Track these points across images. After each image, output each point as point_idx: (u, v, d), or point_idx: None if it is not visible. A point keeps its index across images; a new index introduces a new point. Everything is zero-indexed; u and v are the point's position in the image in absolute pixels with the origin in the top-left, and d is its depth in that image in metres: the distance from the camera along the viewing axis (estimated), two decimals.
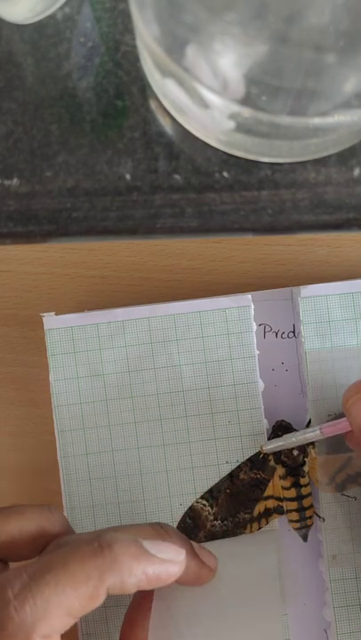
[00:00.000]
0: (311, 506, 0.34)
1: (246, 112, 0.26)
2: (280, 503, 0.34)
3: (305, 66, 0.25)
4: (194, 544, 0.30)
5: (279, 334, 0.36)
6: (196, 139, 0.32)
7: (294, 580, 0.35)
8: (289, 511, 0.34)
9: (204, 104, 0.27)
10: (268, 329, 0.36)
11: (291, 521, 0.34)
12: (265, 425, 0.35)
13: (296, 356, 0.36)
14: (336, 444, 0.33)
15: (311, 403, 0.34)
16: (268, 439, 0.35)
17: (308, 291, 0.34)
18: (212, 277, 0.38)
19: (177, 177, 0.32)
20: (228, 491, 0.35)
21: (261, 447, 0.34)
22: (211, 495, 0.35)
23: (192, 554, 0.29)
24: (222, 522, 0.34)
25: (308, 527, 0.34)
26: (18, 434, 0.38)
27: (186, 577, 0.28)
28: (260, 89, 0.26)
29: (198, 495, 0.35)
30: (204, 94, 0.27)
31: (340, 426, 0.31)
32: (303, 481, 0.34)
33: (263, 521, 0.34)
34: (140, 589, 0.25)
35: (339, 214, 0.32)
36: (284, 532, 0.35)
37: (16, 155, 0.32)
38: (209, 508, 0.34)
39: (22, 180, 0.32)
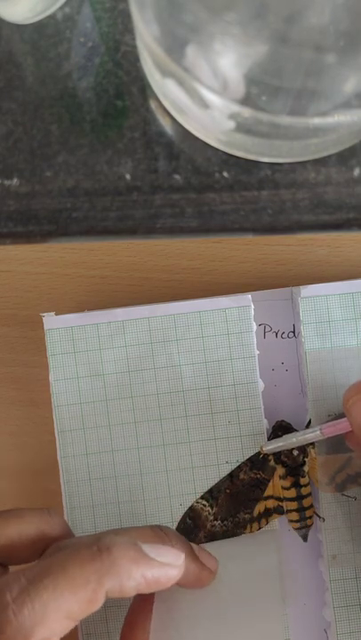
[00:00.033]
0: (311, 506, 0.34)
1: (246, 112, 0.26)
2: (280, 503, 0.34)
3: (305, 66, 0.25)
4: (194, 546, 0.30)
5: (279, 334, 0.36)
6: (196, 139, 0.32)
7: (294, 580, 0.35)
8: (289, 511, 0.34)
9: (204, 104, 0.27)
10: (268, 329, 0.36)
11: (291, 521, 0.34)
12: (265, 425, 0.35)
13: (296, 356, 0.36)
14: (336, 444, 0.32)
15: (311, 403, 0.34)
16: (268, 439, 0.35)
17: (308, 291, 0.34)
18: (212, 277, 0.38)
19: (177, 177, 0.32)
20: (228, 491, 0.35)
21: (261, 448, 0.34)
22: (211, 495, 0.35)
23: (192, 556, 0.29)
24: (222, 522, 0.34)
25: (308, 527, 0.34)
26: (18, 434, 0.38)
27: (186, 579, 0.28)
28: (260, 89, 0.26)
29: (198, 495, 0.35)
30: (204, 94, 0.27)
31: (341, 426, 0.31)
32: (303, 481, 0.34)
33: (263, 521, 0.34)
34: (139, 593, 0.25)
35: (339, 214, 0.32)
36: (284, 532, 0.35)
37: (16, 155, 0.32)
38: (209, 509, 0.34)
39: (22, 180, 0.32)
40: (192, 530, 0.34)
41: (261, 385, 0.35)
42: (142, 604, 0.29)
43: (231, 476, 0.35)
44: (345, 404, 0.30)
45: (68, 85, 0.32)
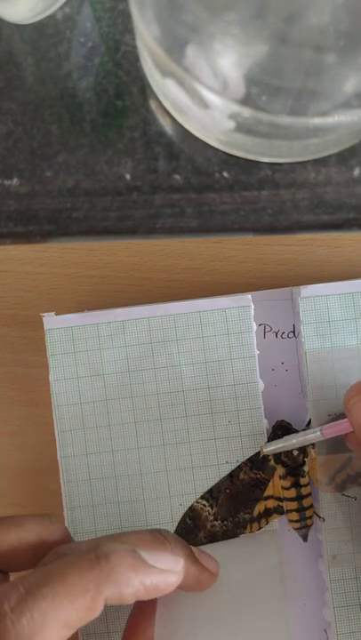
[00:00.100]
0: (311, 506, 0.34)
1: (246, 112, 0.26)
2: (280, 503, 0.34)
3: (305, 66, 0.25)
4: (194, 549, 0.30)
5: (279, 334, 0.36)
6: (196, 139, 0.32)
7: (294, 580, 0.35)
8: (289, 511, 0.34)
9: (204, 104, 0.27)
10: (268, 329, 0.36)
11: (291, 521, 0.34)
12: (265, 425, 0.35)
13: (296, 356, 0.36)
14: (336, 445, 0.32)
15: (311, 403, 0.34)
16: (268, 439, 0.35)
17: (308, 291, 0.34)
18: (212, 277, 0.38)
19: (177, 177, 0.32)
20: (228, 491, 0.35)
21: (261, 448, 0.34)
22: (211, 495, 0.35)
23: (192, 559, 0.29)
24: (222, 522, 0.34)
25: (308, 527, 0.34)
26: (18, 434, 0.38)
27: (186, 583, 0.28)
28: (260, 89, 0.26)
29: (198, 495, 0.35)
30: (204, 94, 0.27)
31: (341, 427, 0.31)
32: (303, 481, 0.34)
33: (263, 521, 0.34)
34: (138, 599, 0.25)
35: (339, 214, 0.32)
36: (284, 532, 0.35)
37: (16, 155, 0.32)
38: (209, 509, 0.34)
39: (22, 180, 0.32)
40: (192, 530, 0.34)
41: (261, 385, 0.35)
42: (144, 607, 0.29)
43: (231, 475, 0.35)
44: (346, 404, 0.30)
45: (68, 85, 0.32)
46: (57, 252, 0.38)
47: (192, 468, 0.35)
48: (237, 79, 0.26)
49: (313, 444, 0.34)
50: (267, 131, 0.28)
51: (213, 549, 0.32)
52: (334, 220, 0.32)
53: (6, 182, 0.32)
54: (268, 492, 0.34)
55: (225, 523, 0.34)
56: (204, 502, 0.34)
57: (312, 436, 0.32)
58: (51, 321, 0.35)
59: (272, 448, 0.33)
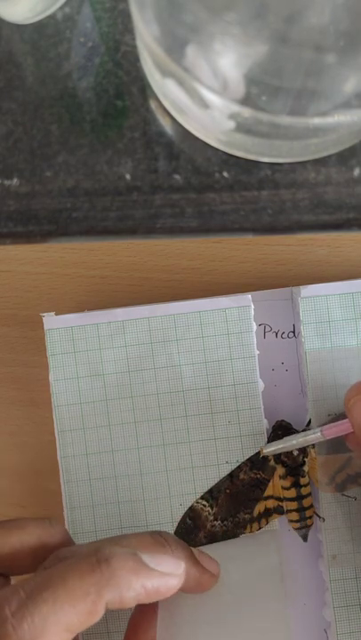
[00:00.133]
0: (311, 506, 0.34)
1: (246, 112, 0.26)
2: (280, 503, 0.34)
3: (305, 66, 0.25)
4: (194, 550, 0.29)
5: (279, 334, 0.36)
6: (196, 139, 0.32)
7: (294, 580, 0.35)
8: (289, 511, 0.34)
9: (204, 104, 0.27)
10: (268, 329, 0.36)
11: (291, 521, 0.34)
12: (265, 425, 0.35)
13: (296, 356, 0.36)
14: (336, 445, 0.32)
15: (311, 403, 0.34)
16: (268, 439, 0.35)
17: (308, 291, 0.34)
18: (212, 277, 0.38)
19: (177, 177, 0.32)
20: (228, 491, 0.35)
21: (261, 449, 0.34)
22: (211, 495, 0.35)
23: (192, 560, 0.29)
24: (222, 522, 0.34)
25: (308, 527, 0.34)
26: (18, 434, 0.38)
27: (187, 584, 0.28)
28: (260, 89, 0.26)
29: (198, 495, 0.35)
30: (204, 94, 0.27)
31: (342, 427, 0.31)
32: (303, 481, 0.34)
33: (263, 521, 0.34)
34: (139, 603, 0.25)
35: (339, 214, 0.32)
36: (284, 532, 0.35)
37: (16, 155, 0.32)
38: (209, 509, 0.34)
39: (22, 180, 0.32)
40: (192, 530, 0.34)
41: (261, 385, 0.35)
42: (145, 609, 0.29)
43: (231, 476, 0.35)
44: (346, 404, 0.30)
45: (68, 85, 0.32)
46: (57, 252, 0.38)
47: (192, 468, 0.35)
48: (237, 79, 0.26)
49: (313, 444, 0.34)
50: (267, 131, 0.28)
51: (213, 550, 0.32)
52: (334, 220, 0.32)
53: (6, 182, 0.32)
54: (268, 492, 0.34)
55: (225, 523, 0.34)
56: (204, 502, 0.34)
57: (312, 436, 0.32)
58: (51, 321, 0.35)
59: (272, 449, 0.33)
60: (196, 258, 0.38)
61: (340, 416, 0.32)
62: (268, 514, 0.34)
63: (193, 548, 0.30)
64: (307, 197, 0.32)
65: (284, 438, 0.33)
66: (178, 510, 0.35)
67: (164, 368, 0.35)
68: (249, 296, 0.35)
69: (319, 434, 0.31)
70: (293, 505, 0.34)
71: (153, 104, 0.32)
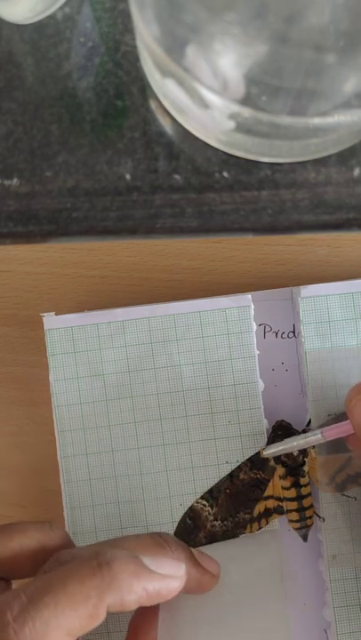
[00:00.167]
0: (311, 506, 0.34)
1: (246, 112, 0.26)
2: (280, 503, 0.34)
3: (305, 66, 0.25)
4: (195, 551, 0.29)
5: (279, 334, 0.36)
6: (196, 139, 0.32)
7: (294, 580, 0.35)
8: (289, 511, 0.34)
9: (204, 104, 0.27)
10: (268, 329, 0.36)
11: (291, 521, 0.34)
12: (265, 425, 0.35)
13: (296, 356, 0.36)
14: (336, 445, 0.32)
15: (311, 403, 0.34)
16: (268, 439, 0.35)
17: (308, 291, 0.34)
18: (212, 277, 0.38)
19: (177, 177, 0.32)
20: (228, 491, 0.35)
21: (262, 452, 0.34)
22: (211, 495, 0.35)
23: (193, 561, 0.29)
24: (222, 522, 0.34)
25: (308, 527, 0.34)
26: (18, 434, 0.38)
27: (188, 586, 0.28)
28: (260, 89, 0.26)
29: (198, 495, 0.35)
30: (204, 94, 0.27)
31: (343, 429, 0.30)
32: (303, 481, 0.34)
33: (263, 521, 0.34)
34: (140, 606, 0.25)
35: (339, 214, 0.32)
36: (284, 532, 0.35)
37: (16, 155, 0.32)
38: (209, 509, 0.34)
39: (22, 180, 0.32)
40: (192, 530, 0.34)
41: (261, 385, 0.35)
42: (146, 611, 0.29)
43: (231, 476, 0.35)
44: (347, 404, 0.30)
45: (68, 85, 0.32)
46: (57, 252, 0.38)
47: (192, 468, 0.35)
48: (237, 79, 0.26)
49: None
50: (267, 131, 0.28)
51: (213, 550, 0.32)
52: (334, 220, 0.32)
53: (6, 182, 0.32)
54: (268, 492, 0.34)
55: (225, 523, 0.34)
56: (204, 502, 0.34)
57: (313, 438, 0.31)
58: (51, 321, 0.35)
59: (272, 451, 0.33)
60: (196, 258, 0.38)
61: (341, 416, 0.32)
62: (268, 514, 0.34)
63: (193, 549, 0.30)
64: (307, 197, 0.32)
65: (285, 440, 0.33)
66: (178, 510, 0.35)
67: (164, 368, 0.35)
68: (249, 296, 0.35)
69: (320, 435, 0.31)
70: (293, 505, 0.34)
71: (153, 104, 0.32)
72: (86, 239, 0.32)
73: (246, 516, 0.34)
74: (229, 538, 0.34)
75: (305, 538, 0.34)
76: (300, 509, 0.34)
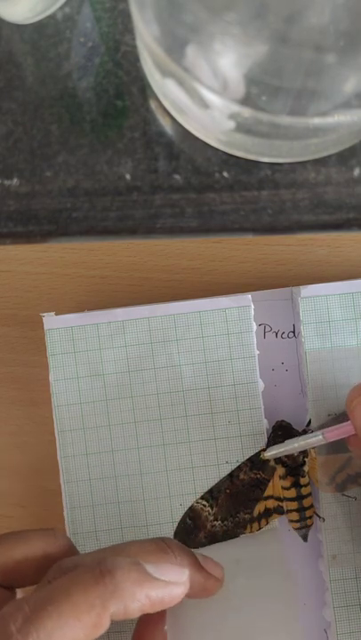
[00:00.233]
0: (311, 506, 0.34)
1: (246, 112, 0.26)
2: (280, 503, 0.34)
3: (305, 66, 0.25)
4: (198, 555, 0.29)
5: (279, 334, 0.36)
6: (196, 139, 0.32)
7: (294, 580, 0.35)
8: (289, 511, 0.34)
9: (204, 104, 0.27)
10: (268, 329, 0.36)
11: (291, 521, 0.34)
12: (265, 425, 0.35)
13: (296, 356, 0.36)
14: (336, 445, 0.32)
15: (311, 403, 0.34)
16: (268, 439, 0.35)
17: (308, 291, 0.34)
18: (212, 277, 0.38)
19: (177, 177, 0.32)
20: (228, 491, 0.35)
21: (263, 454, 0.34)
22: (211, 495, 0.35)
23: (197, 567, 0.29)
24: (222, 522, 0.34)
25: (308, 527, 0.34)
26: (18, 434, 0.38)
27: (193, 591, 0.28)
28: (260, 89, 0.26)
29: (198, 495, 0.35)
30: (204, 94, 0.27)
31: (343, 430, 0.30)
32: (303, 481, 0.34)
33: (263, 521, 0.34)
34: (144, 613, 0.25)
35: (339, 214, 0.32)
36: (284, 532, 0.35)
37: (16, 155, 0.32)
38: (209, 509, 0.34)
39: (22, 180, 0.32)
40: (192, 530, 0.34)
41: (261, 385, 0.35)
42: (150, 616, 0.29)
43: (231, 476, 0.35)
44: (348, 405, 0.30)
45: (68, 85, 0.32)
46: (57, 252, 0.38)
47: (192, 468, 0.35)
48: (237, 79, 0.26)
49: None
50: (267, 131, 0.28)
51: (213, 551, 0.32)
52: (334, 220, 0.32)
53: (6, 182, 0.32)
54: (268, 492, 0.34)
55: (225, 523, 0.34)
56: (204, 502, 0.34)
57: (314, 439, 0.31)
58: (51, 321, 0.35)
59: (273, 453, 0.33)
60: (196, 258, 0.38)
61: (341, 416, 0.32)
62: (268, 514, 0.34)
63: (197, 554, 0.29)
64: (307, 197, 0.32)
65: (286, 442, 0.33)
66: (178, 510, 0.35)
67: (164, 368, 0.35)
68: (249, 296, 0.35)
69: (321, 437, 0.31)
70: (293, 505, 0.34)
71: (153, 104, 0.32)
72: (86, 239, 0.32)
73: (246, 516, 0.34)
74: (230, 538, 0.34)
75: (305, 538, 0.34)
76: (301, 509, 0.34)
